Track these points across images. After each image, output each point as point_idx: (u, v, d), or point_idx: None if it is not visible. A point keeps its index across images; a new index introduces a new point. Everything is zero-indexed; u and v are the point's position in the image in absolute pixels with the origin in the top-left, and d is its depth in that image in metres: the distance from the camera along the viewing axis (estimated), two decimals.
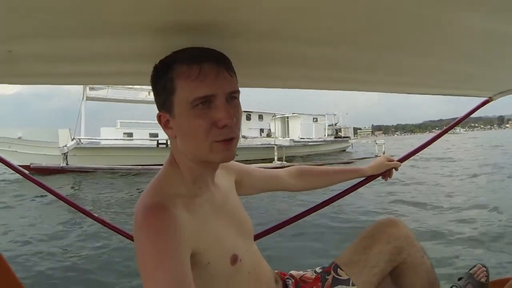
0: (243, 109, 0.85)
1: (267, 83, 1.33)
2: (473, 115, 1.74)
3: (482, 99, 1.63)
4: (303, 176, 1.29)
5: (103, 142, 16.17)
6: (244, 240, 0.91)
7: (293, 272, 1.17)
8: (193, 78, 0.73)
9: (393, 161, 1.37)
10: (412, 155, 1.58)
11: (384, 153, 18.44)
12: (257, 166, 1.31)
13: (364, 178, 1.39)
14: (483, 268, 1.40)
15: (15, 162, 1.63)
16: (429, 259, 1.13)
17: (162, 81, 0.77)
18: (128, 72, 1.06)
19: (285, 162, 14.25)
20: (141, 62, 0.88)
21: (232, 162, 1.08)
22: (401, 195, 6.81)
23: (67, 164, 13.22)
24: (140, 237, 0.67)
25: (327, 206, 1.50)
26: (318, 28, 0.76)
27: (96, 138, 16.77)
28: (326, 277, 1.11)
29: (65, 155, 13.36)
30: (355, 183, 1.44)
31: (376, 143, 20.04)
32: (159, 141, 15.88)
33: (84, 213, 1.48)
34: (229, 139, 0.77)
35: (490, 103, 1.62)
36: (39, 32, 0.70)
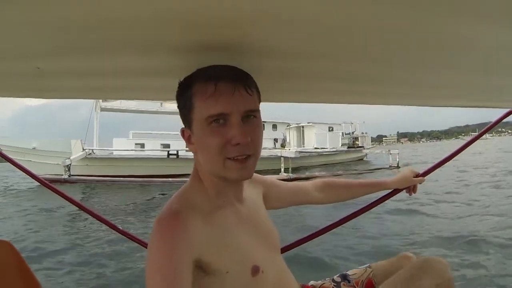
0: None
1: (291, 98, 1.36)
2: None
3: (505, 110, 1.63)
4: (329, 189, 1.28)
5: (115, 153, 16.40)
6: (269, 253, 0.91)
7: (313, 283, 1.18)
8: (208, 96, 0.74)
9: (418, 175, 1.37)
10: (436, 168, 1.56)
11: (398, 163, 17.90)
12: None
13: (390, 191, 1.41)
14: None
15: None
16: None
17: (183, 99, 0.80)
18: (155, 87, 1.10)
19: (291, 174, 13.94)
20: (167, 77, 0.91)
21: (260, 176, 1.10)
22: None
23: (69, 176, 13.21)
24: (151, 240, 0.70)
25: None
26: (340, 45, 0.78)
27: (108, 148, 17.03)
28: None
29: (68, 167, 13.38)
30: (381, 195, 1.45)
31: (390, 153, 19.40)
32: (170, 152, 15.94)
33: (104, 223, 1.57)
34: (244, 158, 0.77)
35: None
36: (67, 49, 0.74)
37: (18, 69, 0.87)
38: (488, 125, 1.70)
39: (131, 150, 17.01)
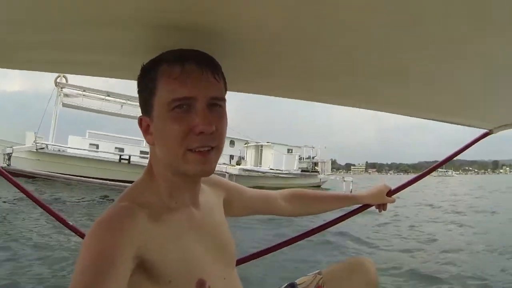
0: None
1: (261, 90, 1.29)
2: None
3: (483, 131, 1.62)
4: (297, 200, 1.23)
5: (69, 151, 16.24)
6: (222, 267, 0.84)
7: None
8: (174, 77, 0.70)
9: (390, 191, 1.34)
10: (405, 188, 1.54)
11: (351, 191, 18.19)
12: None
13: (361, 205, 1.37)
14: None
15: None
16: None
17: (145, 81, 0.75)
18: (120, 65, 1.04)
19: None
20: (133, 55, 0.86)
21: (222, 179, 1.06)
22: None
23: (8, 165, 12.55)
24: (87, 235, 0.64)
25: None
26: (317, 40, 0.76)
27: (61, 145, 16.79)
28: None
29: (9, 156, 13.01)
30: (351, 210, 1.42)
31: (344, 180, 19.70)
32: (122, 156, 15.97)
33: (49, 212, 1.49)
34: (206, 150, 0.72)
35: (490, 136, 1.60)
36: (29, 21, 0.73)
37: None
38: (465, 144, 1.64)
39: (85, 149, 16.89)
